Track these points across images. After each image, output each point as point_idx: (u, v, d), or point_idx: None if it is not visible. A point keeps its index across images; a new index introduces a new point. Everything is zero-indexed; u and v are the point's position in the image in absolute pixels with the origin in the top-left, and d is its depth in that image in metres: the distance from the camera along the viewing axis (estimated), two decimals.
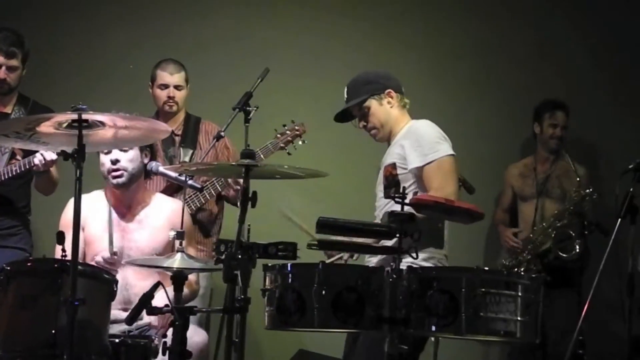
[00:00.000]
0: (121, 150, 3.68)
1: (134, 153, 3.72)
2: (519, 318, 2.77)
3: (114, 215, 3.77)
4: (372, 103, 3.63)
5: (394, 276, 2.78)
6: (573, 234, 4.76)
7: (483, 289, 2.73)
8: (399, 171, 3.52)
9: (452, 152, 3.52)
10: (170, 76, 4.47)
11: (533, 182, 5.03)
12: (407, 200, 2.85)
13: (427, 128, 3.57)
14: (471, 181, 4.50)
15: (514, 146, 5.36)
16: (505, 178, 5.15)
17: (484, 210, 3.08)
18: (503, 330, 2.78)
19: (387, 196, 2.91)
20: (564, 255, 4.76)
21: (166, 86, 4.46)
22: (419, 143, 3.50)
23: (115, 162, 3.69)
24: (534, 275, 2.87)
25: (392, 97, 3.64)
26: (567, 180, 4.95)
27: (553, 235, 4.82)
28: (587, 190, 4.80)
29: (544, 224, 4.88)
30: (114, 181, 3.71)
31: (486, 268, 2.86)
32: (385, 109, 3.63)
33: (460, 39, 5.35)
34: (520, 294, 2.78)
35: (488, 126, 5.27)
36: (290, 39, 5.28)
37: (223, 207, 4.50)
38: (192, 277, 3.62)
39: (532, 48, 5.35)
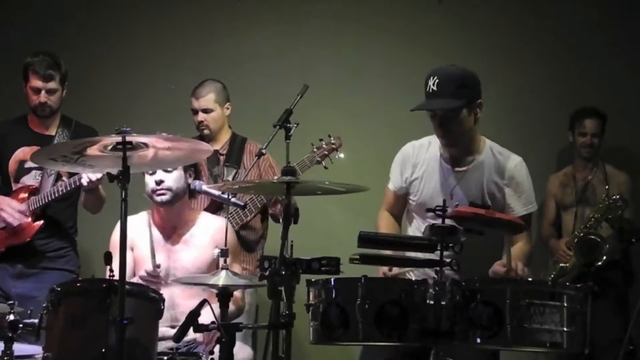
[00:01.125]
0: (165, 171, 3.74)
1: (178, 173, 3.78)
2: (565, 329, 2.75)
3: (159, 235, 3.83)
4: (464, 111, 3.36)
5: (437, 289, 2.79)
6: (599, 240, 4.69)
7: (527, 300, 2.72)
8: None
9: None
10: (197, 101, 4.50)
11: (572, 191, 5.00)
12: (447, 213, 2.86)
13: (528, 175, 3.51)
14: None
15: (551, 156, 5.32)
16: (548, 188, 5.10)
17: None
18: (549, 341, 2.75)
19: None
20: (590, 264, 4.68)
21: (195, 111, 4.51)
22: (522, 190, 3.49)
23: (159, 182, 3.76)
24: (579, 285, 2.84)
25: (480, 109, 3.41)
26: (602, 188, 4.90)
27: (575, 242, 4.76)
28: (614, 197, 4.74)
29: (575, 233, 4.84)
30: (158, 199, 3.77)
31: (530, 279, 2.85)
32: (471, 120, 3.39)
33: (497, 50, 5.33)
34: (565, 304, 2.75)
35: (524, 136, 5.24)
36: (329, 55, 5.31)
37: (267, 227, 4.53)
38: (237, 293, 3.65)
39: (569, 56, 5.31)
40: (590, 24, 5.31)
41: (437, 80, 3.33)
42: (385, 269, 3.33)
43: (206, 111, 4.50)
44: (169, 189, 3.76)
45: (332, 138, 4.33)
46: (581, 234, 4.77)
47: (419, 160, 3.57)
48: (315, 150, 4.30)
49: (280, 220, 2.97)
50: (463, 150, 3.47)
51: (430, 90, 3.35)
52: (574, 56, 5.30)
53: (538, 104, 5.29)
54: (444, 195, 3.42)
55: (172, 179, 3.77)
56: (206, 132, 4.49)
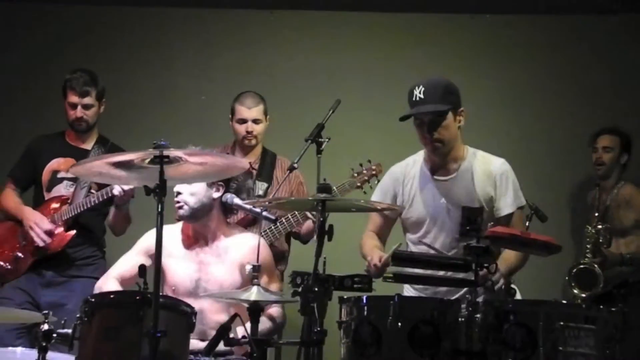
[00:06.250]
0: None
1: (197, 187, 3.72)
2: (598, 353, 2.74)
3: (191, 246, 3.80)
4: (449, 116, 3.49)
5: (470, 309, 2.78)
6: (593, 269, 4.47)
7: (562, 323, 2.71)
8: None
9: None
10: (248, 110, 4.46)
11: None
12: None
13: (512, 173, 3.56)
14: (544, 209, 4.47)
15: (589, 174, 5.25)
16: None
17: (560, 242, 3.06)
18: None
19: (462, 233, 2.89)
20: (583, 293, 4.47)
21: (244, 120, 4.46)
22: (508, 188, 3.51)
23: (177, 194, 3.73)
24: (613, 309, 2.82)
25: (463, 117, 3.54)
26: (620, 212, 4.75)
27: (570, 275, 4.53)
28: (599, 227, 4.58)
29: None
30: (177, 213, 3.77)
31: (564, 302, 2.84)
32: (455, 126, 3.52)
33: (529, 71, 5.28)
34: (599, 328, 2.75)
35: (560, 154, 5.20)
36: (361, 71, 5.31)
37: (290, 245, 4.51)
38: (273, 311, 3.66)
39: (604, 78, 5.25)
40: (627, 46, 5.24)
41: (422, 89, 3.46)
42: (375, 260, 3.32)
43: (256, 122, 4.46)
44: (185, 203, 3.72)
45: (372, 164, 4.31)
46: (575, 266, 4.55)
47: (408, 178, 3.63)
48: (355, 175, 4.29)
49: (315, 238, 2.96)
50: (446, 159, 3.54)
51: (417, 99, 3.46)
52: (602, 76, 5.24)
53: (571, 124, 5.22)
54: (433, 207, 3.49)
55: (190, 192, 3.71)
56: (253, 142, 4.45)
